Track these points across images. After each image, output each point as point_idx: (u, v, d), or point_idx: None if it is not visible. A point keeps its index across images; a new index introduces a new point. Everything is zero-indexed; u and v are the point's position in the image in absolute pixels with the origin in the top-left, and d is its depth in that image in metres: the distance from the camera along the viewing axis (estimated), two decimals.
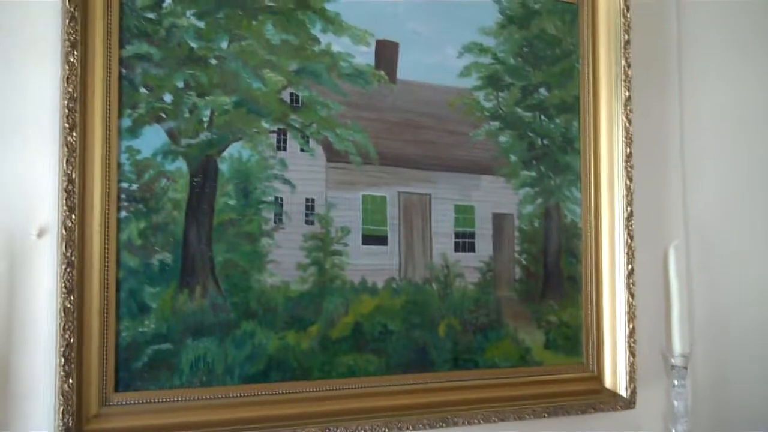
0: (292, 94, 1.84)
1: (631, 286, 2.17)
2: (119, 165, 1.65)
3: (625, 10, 2.22)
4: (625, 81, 2.20)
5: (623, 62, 2.20)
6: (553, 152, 2.18)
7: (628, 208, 2.18)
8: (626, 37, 2.21)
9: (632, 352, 2.15)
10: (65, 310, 1.55)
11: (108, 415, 1.61)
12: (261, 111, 1.80)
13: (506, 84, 2.12)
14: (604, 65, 2.24)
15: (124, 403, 1.63)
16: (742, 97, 2.59)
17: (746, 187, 2.57)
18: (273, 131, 1.81)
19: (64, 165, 1.56)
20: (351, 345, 1.87)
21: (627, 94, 2.20)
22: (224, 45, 1.77)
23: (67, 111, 1.57)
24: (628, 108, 2.20)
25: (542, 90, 2.17)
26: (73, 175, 1.57)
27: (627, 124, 2.19)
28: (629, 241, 2.17)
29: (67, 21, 1.58)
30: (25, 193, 1.60)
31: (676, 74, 2.46)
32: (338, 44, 1.89)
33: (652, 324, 2.29)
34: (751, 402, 2.49)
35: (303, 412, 1.78)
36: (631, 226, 2.18)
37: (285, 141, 1.83)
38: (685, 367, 2.25)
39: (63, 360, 1.54)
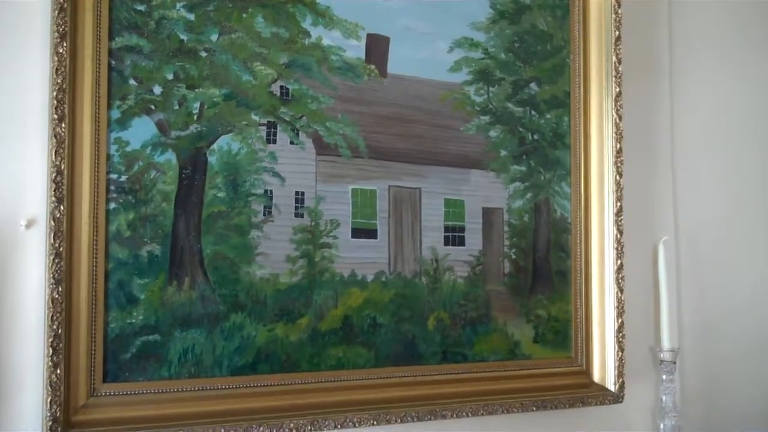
0: (282, 87, 1.84)
1: (620, 281, 2.18)
2: (108, 156, 1.65)
3: (617, 6, 2.23)
4: (615, 77, 2.21)
5: (614, 58, 2.21)
6: (543, 147, 2.18)
7: (618, 204, 2.19)
8: (617, 33, 2.22)
9: (621, 347, 2.16)
10: (53, 300, 1.55)
11: (96, 406, 1.61)
12: (251, 104, 1.80)
13: (497, 79, 2.12)
14: (595, 61, 2.25)
15: (112, 394, 1.63)
16: (733, 92, 2.60)
17: (736, 183, 2.58)
18: (263, 124, 1.82)
19: (53, 156, 1.56)
20: (340, 337, 1.87)
21: (617, 89, 2.21)
22: (214, 37, 1.77)
23: (56, 102, 1.57)
24: (619, 103, 2.20)
25: (533, 85, 2.18)
26: (62, 166, 1.57)
27: (617, 120, 2.20)
28: (619, 236, 2.18)
29: (56, 12, 1.58)
30: (13, 183, 1.60)
31: (666, 70, 2.47)
32: (329, 38, 1.90)
33: (640, 319, 2.30)
34: (740, 397, 2.50)
35: (291, 404, 1.79)
36: (621, 221, 2.19)
37: (275, 134, 1.83)
38: (674, 362, 2.26)
39: (51, 350, 1.54)
